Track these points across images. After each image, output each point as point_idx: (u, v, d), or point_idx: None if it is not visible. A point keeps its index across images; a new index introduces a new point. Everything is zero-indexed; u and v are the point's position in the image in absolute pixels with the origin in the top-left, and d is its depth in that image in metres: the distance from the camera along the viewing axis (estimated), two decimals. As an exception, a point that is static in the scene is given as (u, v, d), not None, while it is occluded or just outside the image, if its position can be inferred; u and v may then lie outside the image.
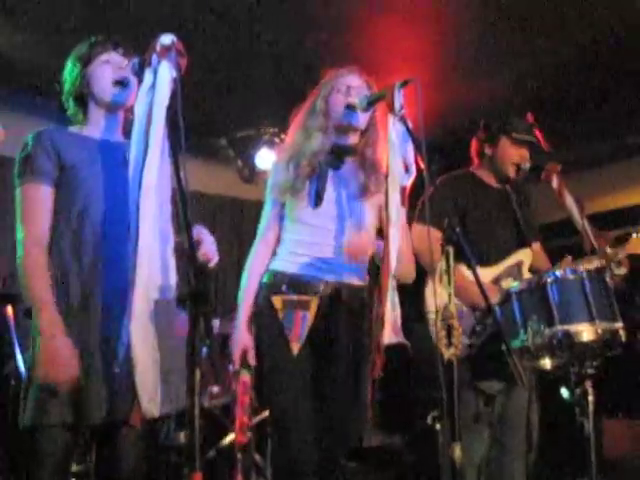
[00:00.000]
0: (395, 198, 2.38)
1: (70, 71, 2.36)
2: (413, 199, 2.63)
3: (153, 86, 2.05)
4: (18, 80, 4.79)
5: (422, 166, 2.36)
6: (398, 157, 2.40)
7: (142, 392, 1.75)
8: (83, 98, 2.37)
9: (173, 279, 1.84)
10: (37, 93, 4.91)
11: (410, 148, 2.41)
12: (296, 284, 2.54)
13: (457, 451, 2.21)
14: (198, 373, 1.64)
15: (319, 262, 2.55)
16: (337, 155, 2.66)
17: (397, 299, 2.36)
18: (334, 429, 2.59)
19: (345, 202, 2.61)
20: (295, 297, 2.53)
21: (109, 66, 2.33)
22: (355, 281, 2.61)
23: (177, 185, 1.82)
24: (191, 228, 1.76)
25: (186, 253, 1.69)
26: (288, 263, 2.59)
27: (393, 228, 2.37)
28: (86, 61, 2.34)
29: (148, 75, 2.07)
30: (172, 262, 1.88)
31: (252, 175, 5.87)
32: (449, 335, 2.18)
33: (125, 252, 1.95)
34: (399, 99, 2.39)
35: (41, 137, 2.22)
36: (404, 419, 4.60)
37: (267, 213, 2.70)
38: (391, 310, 2.33)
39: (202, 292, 1.64)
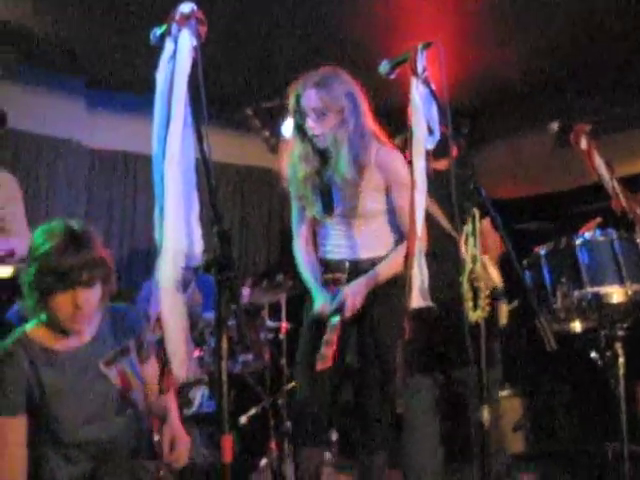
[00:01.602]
0: (420, 162, 2.36)
1: None
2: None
3: (174, 55, 2.05)
4: (42, 56, 4.82)
5: (446, 129, 2.35)
6: (422, 120, 2.38)
7: (173, 357, 1.78)
8: None
9: (199, 247, 1.86)
10: (61, 69, 4.97)
11: (434, 111, 2.39)
12: (328, 265, 2.80)
13: (485, 413, 2.22)
14: (225, 339, 1.66)
15: (343, 247, 2.79)
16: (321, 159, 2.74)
17: (424, 263, 2.35)
18: (365, 398, 2.75)
19: (347, 199, 2.74)
20: (329, 275, 2.76)
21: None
22: (378, 255, 2.77)
23: (200, 154, 1.83)
24: (216, 196, 1.76)
25: (211, 221, 1.70)
26: (321, 251, 2.88)
27: (418, 193, 2.35)
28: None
29: (169, 44, 2.06)
30: (198, 230, 1.89)
31: (279, 145, 5.85)
32: (475, 297, 2.18)
33: None
34: (422, 61, 2.37)
35: None
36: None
37: (294, 211, 2.94)
38: (418, 274, 2.33)
39: (226, 258, 1.65)
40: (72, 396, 2.00)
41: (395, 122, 2.72)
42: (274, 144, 5.90)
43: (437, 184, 2.52)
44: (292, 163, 2.80)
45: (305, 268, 2.86)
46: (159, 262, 1.79)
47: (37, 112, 4.84)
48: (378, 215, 2.79)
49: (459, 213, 2.25)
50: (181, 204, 1.88)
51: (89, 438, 2.02)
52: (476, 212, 2.22)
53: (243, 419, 3.92)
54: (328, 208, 2.77)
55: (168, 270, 1.79)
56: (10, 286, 3.02)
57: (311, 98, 2.63)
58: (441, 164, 3.04)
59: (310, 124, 2.66)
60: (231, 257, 1.64)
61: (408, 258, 2.29)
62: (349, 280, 2.72)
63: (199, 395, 3.71)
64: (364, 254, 2.78)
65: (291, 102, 2.71)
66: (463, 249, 2.30)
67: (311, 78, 2.66)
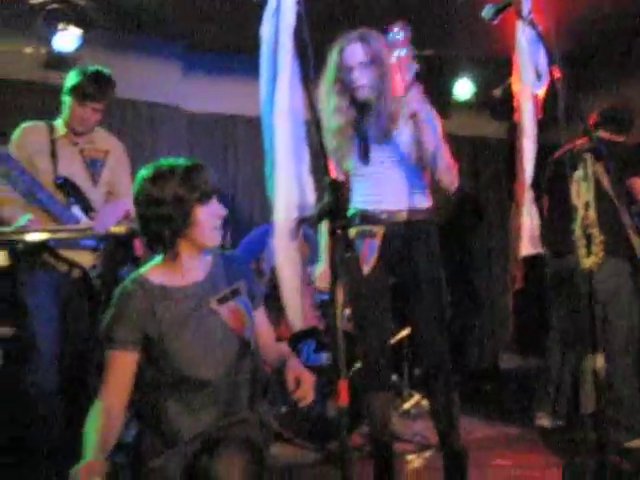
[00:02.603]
0: (528, 108, 2.31)
1: None
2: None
3: (277, 9, 2.07)
4: (139, 23, 4.92)
5: (555, 74, 2.28)
6: (529, 64, 2.33)
7: (288, 307, 1.83)
8: None
9: (311, 197, 1.89)
10: (158, 35, 5.06)
11: (542, 55, 2.33)
12: (364, 217, 2.84)
13: (600, 362, 2.19)
14: (340, 290, 1.68)
15: (380, 198, 2.83)
16: (359, 111, 2.82)
17: (535, 211, 2.32)
18: (423, 345, 2.87)
19: (381, 146, 2.80)
20: (365, 227, 2.80)
21: None
22: (416, 205, 2.85)
23: (309, 106, 1.84)
24: (325, 147, 1.78)
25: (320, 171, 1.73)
26: (357, 202, 2.87)
27: (527, 140, 2.31)
28: None
29: (271, -1, 2.09)
30: (309, 181, 1.92)
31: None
32: (589, 244, 2.14)
33: None
34: (527, 3, 2.31)
35: None
36: (540, 341, 4.53)
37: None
38: (528, 222, 2.30)
39: (338, 207, 1.67)
40: (186, 331, 2.06)
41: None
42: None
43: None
44: (326, 117, 2.81)
45: None
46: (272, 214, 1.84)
47: (136, 78, 4.96)
48: (412, 164, 2.83)
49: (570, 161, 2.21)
50: (291, 157, 1.92)
51: (207, 377, 2.06)
52: (589, 157, 2.17)
53: (349, 373, 3.98)
54: (364, 157, 2.81)
55: (281, 221, 1.83)
56: (125, 244, 3.18)
57: (356, 51, 2.74)
58: None
59: (355, 75, 2.74)
60: (343, 206, 1.66)
61: (518, 205, 2.27)
62: (387, 232, 2.82)
63: (305, 348, 3.79)
64: (401, 205, 2.84)
65: (333, 56, 2.78)
66: (574, 195, 2.25)
67: (354, 34, 2.78)
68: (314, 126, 1.80)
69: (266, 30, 2.05)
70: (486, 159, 6.36)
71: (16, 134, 3.20)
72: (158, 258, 2.14)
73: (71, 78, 3.18)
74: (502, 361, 6.06)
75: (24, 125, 3.23)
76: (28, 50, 4.69)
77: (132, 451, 2.21)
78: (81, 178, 3.22)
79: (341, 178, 2.83)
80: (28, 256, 3.11)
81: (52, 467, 3.04)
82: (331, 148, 2.82)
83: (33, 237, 2.98)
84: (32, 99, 4.58)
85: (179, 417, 2.06)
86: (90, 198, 3.21)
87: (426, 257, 2.85)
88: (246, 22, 2.69)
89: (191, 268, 2.14)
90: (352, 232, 2.82)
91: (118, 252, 3.14)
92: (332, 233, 1.67)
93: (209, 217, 2.05)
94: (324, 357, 3.88)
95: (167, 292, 2.09)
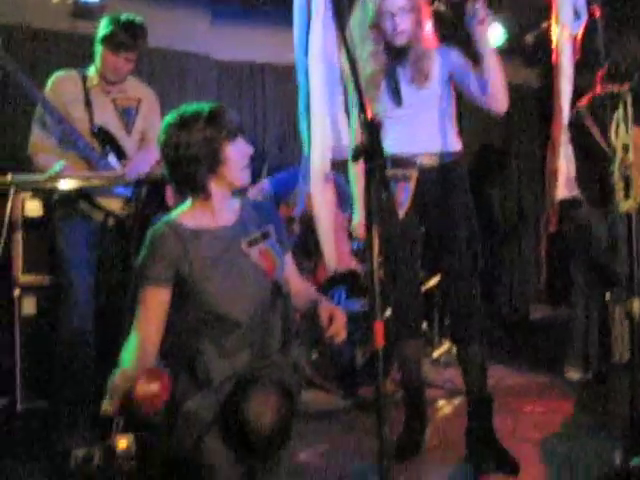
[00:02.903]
0: (566, 48, 2.26)
1: None
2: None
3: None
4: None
5: (595, 13, 2.23)
6: (568, 3, 2.27)
7: (324, 249, 1.83)
8: None
9: (345, 139, 1.87)
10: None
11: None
12: (397, 161, 2.80)
13: (636, 305, 2.17)
14: (375, 229, 1.67)
15: (413, 141, 2.82)
16: (395, 56, 2.82)
17: (571, 153, 2.29)
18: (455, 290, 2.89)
19: (415, 90, 2.81)
20: (398, 171, 2.78)
21: None
22: (449, 149, 2.88)
23: (343, 49, 1.82)
24: (361, 86, 1.75)
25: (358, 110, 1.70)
26: (388, 146, 2.77)
27: (564, 79, 2.26)
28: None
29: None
30: (344, 124, 1.90)
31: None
32: (627, 186, 2.10)
33: None
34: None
35: None
36: (570, 291, 4.51)
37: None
38: (565, 164, 2.27)
39: (374, 146, 1.65)
40: (218, 271, 2.08)
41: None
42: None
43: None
44: (361, 63, 2.75)
45: None
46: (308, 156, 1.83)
47: (164, 27, 4.91)
48: (446, 108, 2.86)
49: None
50: (326, 99, 1.90)
51: (238, 317, 2.08)
52: (629, 97, 2.12)
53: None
54: (397, 100, 2.79)
55: (317, 163, 1.83)
56: (157, 192, 3.20)
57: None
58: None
59: (396, 21, 2.72)
60: (380, 145, 1.64)
61: (555, 147, 2.23)
62: (420, 176, 2.82)
63: (336, 295, 3.81)
64: (434, 148, 2.85)
65: (370, 3, 2.73)
66: (613, 137, 2.21)
67: None
68: (350, 66, 1.77)
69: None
70: (517, 107, 6.25)
71: (50, 83, 3.20)
72: (187, 202, 2.17)
73: (103, 27, 3.15)
74: (533, 311, 6.06)
75: (58, 74, 3.23)
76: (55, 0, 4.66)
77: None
78: (115, 127, 3.23)
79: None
80: (64, 205, 3.15)
81: (85, 412, 3.12)
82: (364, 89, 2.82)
83: (65, 185, 3.00)
84: (60, 49, 4.56)
85: (212, 360, 2.08)
86: (124, 146, 3.23)
87: (460, 203, 2.86)
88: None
89: (221, 211, 2.16)
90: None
91: (151, 199, 3.16)
92: (368, 173, 1.66)
93: (238, 155, 2.08)
94: (355, 304, 3.91)
95: (198, 233, 2.11)
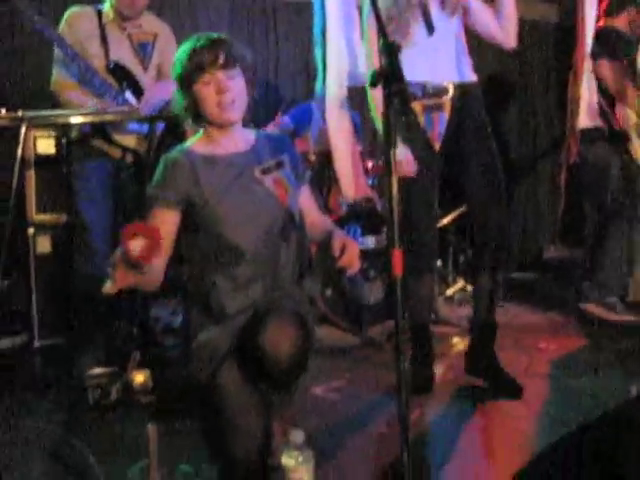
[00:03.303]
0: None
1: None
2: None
3: None
4: None
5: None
6: None
7: (341, 177, 1.80)
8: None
9: (362, 65, 1.82)
10: None
11: None
12: (428, 89, 2.78)
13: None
14: (393, 154, 1.63)
15: (441, 70, 2.80)
16: None
17: (594, 83, 2.23)
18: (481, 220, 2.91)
19: (445, 18, 2.79)
20: (431, 101, 2.76)
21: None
22: (472, 78, 2.89)
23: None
24: (379, 9, 1.68)
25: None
26: (417, 75, 2.74)
27: (588, 6, 2.19)
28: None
29: None
30: (360, 49, 1.85)
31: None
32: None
33: None
34: None
35: None
36: (584, 231, 4.48)
37: None
38: (587, 94, 2.21)
39: (393, 70, 1.60)
40: (230, 197, 2.07)
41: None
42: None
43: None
44: None
45: None
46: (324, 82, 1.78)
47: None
48: (463, 39, 2.85)
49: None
50: (342, 23, 1.84)
51: (250, 244, 2.06)
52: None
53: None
54: (429, 28, 2.72)
55: (333, 89, 1.78)
56: (174, 127, 3.16)
57: None
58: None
59: None
60: (400, 68, 1.59)
61: (577, 76, 2.17)
62: (454, 104, 2.80)
63: (350, 232, 3.79)
64: (461, 77, 2.83)
65: None
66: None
67: None
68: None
69: None
70: (533, 42, 6.11)
71: (64, 19, 3.13)
72: (201, 131, 2.16)
73: None
74: (546, 251, 6.02)
75: (72, 10, 3.17)
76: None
77: (181, 330, 2.25)
78: (131, 62, 3.18)
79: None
80: (79, 143, 3.12)
81: (100, 348, 3.15)
82: (392, 16, 2.75)
83: (77, 120, 2.97)
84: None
85: (225, 293, 2.08)
86: (141, 82, 3.18)
87: (484, 130, 2.84)
88: None
89: (234, 139, 2.14)
90: (417, 107, 2.76)
91: (168, 135, 3.13)
92: (388, 98, 1.61)
93: (209, 93, 2.02)
94: (369, 241, 3.89)
95: (210, 160, 2.10)
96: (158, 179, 2.08)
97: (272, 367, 1.89)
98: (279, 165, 2.16)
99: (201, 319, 2.12)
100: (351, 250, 2.01)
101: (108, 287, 1.73)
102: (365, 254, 3.68)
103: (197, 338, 2.08)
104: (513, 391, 2.88)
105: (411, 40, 2.75)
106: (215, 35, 2.05)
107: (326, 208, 3.60)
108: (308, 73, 4.93)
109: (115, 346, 3.18)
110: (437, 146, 2.81)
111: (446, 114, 2.79)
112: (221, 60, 1.99)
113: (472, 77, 2.88)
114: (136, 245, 1.66)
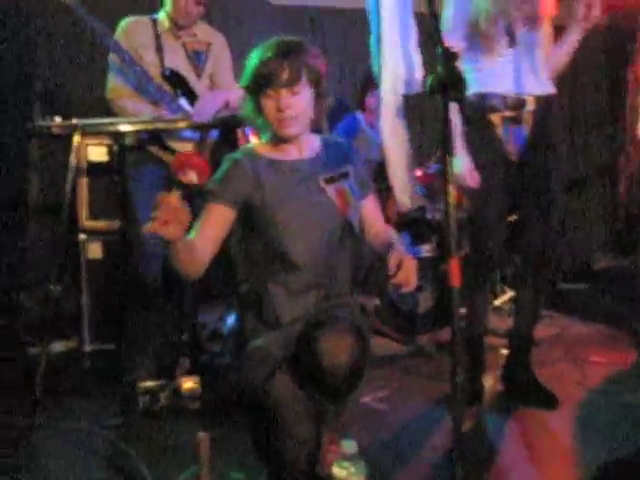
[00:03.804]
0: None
1: None
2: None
3: None
4: None
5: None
6: None
7: (395, 185, 1.78)
8: None
9: (419, 73, 1.80)
10: None
11: None
12: (507, 101, 2.78)
13: None
14: (448, 159, 1.60)
15: (522, 82, 2.77)
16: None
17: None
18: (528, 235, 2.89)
19: (527, 31, 2.78)
20: (510, 113, 2.77)
21: None
22: (551, 91, 2.86)
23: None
24: (438, 19, 1.66)
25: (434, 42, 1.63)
26: (497, 85, 2.78)
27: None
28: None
29: None
30: (416, 56, 1.83)
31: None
32: None
33: None
34: None
35: None
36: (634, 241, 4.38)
37: None
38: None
39: (453, 78, 1.58)
40: (290, 203, 2.05)
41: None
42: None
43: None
44: (477, 3, 2.74)
45: None
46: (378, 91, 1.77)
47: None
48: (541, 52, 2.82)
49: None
50: (398, 31, 1.83)
51: (307, 252, 2.05)
52: None
53: (442, 267, 3.95)
54: (511, 40, 2.73)
55: (388, 98, 1.77)
56: (228, 134, 3.18)
57: None
58: None
59: None
60: (460, 76, 1.56)
61: (637, 84, 2.12)
62: (534, 117, 2.78)
63: (400, 240, 3.76)
64: (547, 89, 2.82)
65: None
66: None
67: None
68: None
69: None
70: (583, 46, 6.01)
71: (121, 28, 3.18)
72: (268, 134, 2.13)
73: None
74: (596, 261, 5.91)
75: (129, 19, 3.22)
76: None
77: (233, 336, 2.25)
78: (185, 70, 3.22)
79: (457, 49, 2.70)
80: (134, 149, 3.15)
81: (149, 353, 3.17)
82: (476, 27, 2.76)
83: (128, 128, 3.00)
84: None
85: (278, 299, 2.07)
86: (195, 89, 3.21)
87: (557, 148, 2.86)
88: None
89: (297, 147, 2.13)
90: (496, 119, 2.77)
91: (221, 142, 3.15)
92: (445, 107, 1.59)
93: (271, 108, 2.01)
94: (420, 250, 3.86)
95: (274, 164, 2.09)
96: (219, 176, 2.08)
97: (329, 378, 1.87)
98: (343, 175, 2.15)
99: (254, 324, 2.11)
100: (408, 267, 1.96)
101: (148, 227, 1.74)
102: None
103: (251, 344, 2.07)
104: (548, 402, 2.88)
105: (493, 52, 2.75)
106: (287, 43, 2.02)
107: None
108: (355, 83, 4.94)
109: (164, 352, 3.20)
110: (514, 158, 2.81)
111: (525, 127, 2.79)
112: (285, 76, 1.96)
113: (551, 90, 2.86)
114: (185, 173, 1.69)
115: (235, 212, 2.05)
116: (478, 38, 2.73)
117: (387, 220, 2.05)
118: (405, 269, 1.95)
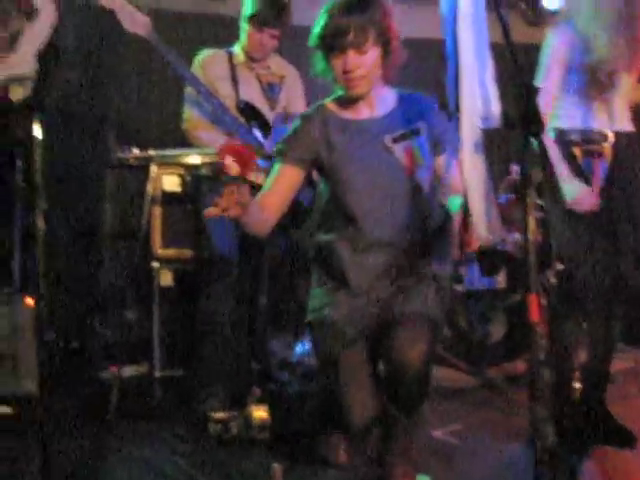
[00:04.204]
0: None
1: None
2: None
3: None
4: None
5: None
6: None
7: (475, 218, 1.77)
8: None
9: (496, 107, 1.80)
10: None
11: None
12: (589, 135, 2.75)
13: None
14: (531, 193, 1.57)
15: (605, 116, 2.76)
16: None
17: None
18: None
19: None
20: (592, 147, 2.74)
21: None
22: (632, 129, 2.84)
23: (496, 13, 1.73)
24: (516, 51, 1.66)
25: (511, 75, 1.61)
26: (578, 119, 2.77)
27: None
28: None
29: None
30: (493, 89, 1.83)
31: (538, 17, 5.50)
32: None
33: None
34: None
35: None
36: None
37: None
38: None
39: (532, 112, 1.57)
40: (358, 161, 2.09)
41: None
42: (532, 17, 5.57)
43: None
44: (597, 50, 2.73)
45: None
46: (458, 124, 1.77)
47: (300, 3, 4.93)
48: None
49: None
50: (475, 64, 1.83)
51: (372, 217, 2.09)
52: None
53: (513, 298, 3.89)
54: (612, 84, 2.73)
55: (466, 132, 1.77)
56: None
57: None
58: None
59: None
60: (538, 112, 1.55)
61: None
62: (615, 151, 2.75)
63: (470, 272, 3.73)
64: (627, 126, 2.82)
65: None
66: None
67: None
68: (503, 30, 1.67)
69: None
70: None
71: (197, 61, 3.27)
72: (339, 91, 2.16)
73: (248, 6, 3.22)
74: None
75: (205, 53, 3.31)
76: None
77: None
78: (260, 102, 3.29)
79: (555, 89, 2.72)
80: (209, 179, 3.22)
81: (220, 381, 3.19)
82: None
83: (202, 159, 3.07)
84: (193, 29, 4.68)
85: (344, 255, 2.11)
86: (269, 121, 3.28)
87: (636, 184, 2.82)
88: None
89: (369, 105, 2.15)
90: (576, 152, 2.75)
91: None
92: (525, 141, 1.57)
93: (338, 67, 2.04)
94: (490, 281, 3.81)
95: (344, 122, 2.13)
96: (289, 134, 2.15)
97: (400, 389, 1.98)
98: (414, 133, 2.14)
99: (320, 276, 2.19)
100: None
101: (211, 210, 1.81)
102: (484, 294, 3.62)
103: (325, 313, 2.12)
104: (626, 440, 2.78)
105: (592, 94, 2.75)
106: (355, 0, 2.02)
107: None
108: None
109: (235, 381, 3.22)
110: (597, 191, 2.77)
111: (606, 161, 2.77)
112: (351, 36, 1.98)
113: (631, 127, 2.86)
114: (225, 159, 1.74)
115: (303, 171, 2.13)
116: (584, 81, 2.73)
117: (465, 249, 2.04)
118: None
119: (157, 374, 3.64)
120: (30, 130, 1.58)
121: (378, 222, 2.08)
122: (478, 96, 1.83)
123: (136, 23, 2.92)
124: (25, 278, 3.52)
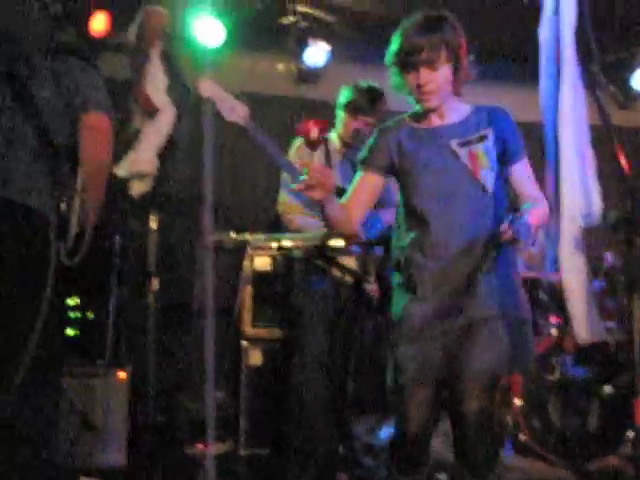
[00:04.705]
0: None
1: None
2: None
3: (557, 10, 2.00)
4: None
5: None
6: None
7: (574, 318, 1.75)
8: None
9: (598, 205, 1.80)
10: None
11: None
12: None
13: None
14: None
15: None
16: None
17: None
18: None
19: None
20: None
21: None
22: None
23: (598, 111, 1.75)
24: (617, 152, 1.67)
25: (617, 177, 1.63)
26: None
27: None
28: None
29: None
30: (595, 186, 1.83)
31: (628, 100, 5.47)
32: None
33: None
34: None
35: None
36: None
37: None
38: None
39: (637, 213, 1.56)
40: (424, 164, 2.19)
41: None
42: (622, 100, 5.54)
43: None
44: None
45: None
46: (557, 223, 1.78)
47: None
48: None
49: None
50: (576, 162, 1.84)
51: (438, 220, 2.14)
52: None
53: (608, 389, 3.75)
54: None
55: (567, 228, 1.77)
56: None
57: None
58: None
59: None
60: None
61: None
62: None
63: (563, 361, 3.63)
64: None
65: None
66: None
67: None
68: (605, 127, 1.70)
69: (545, 33, 1.98)
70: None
71: (294, 147, 3.40)
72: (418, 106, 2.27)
73: (344, 94, 3.36)
74: None
75: (301, 139, 3.43)
76: (280, 66, 4.97)
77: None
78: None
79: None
80: (303, 261, 3.29)
81: (305, 463, 3.17)
82: None
83: (286, 244, 3.15)
84: (284, 112, 4.83)
85: (416, 262, 2.17)
86: None
87: None
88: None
89: (441, 114, 2.23)
90: None
91: (386, 258, 3.22)
92: (629, 243, 1.57)
93: (411, 82, 2.14)
94: (582, 371, 3.70)
95: (415, 130, 2.25)
96: (370, 144, 2.30)
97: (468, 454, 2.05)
98: (481, 138, 2.20)
99: (396, 284, 2.25)
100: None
101: (296, 187, 1.94)
102: (578, 384, 3.51)
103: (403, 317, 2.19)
104: None
105: None
106: (429, 19, 2.13)
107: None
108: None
109: (322, 465, 3.20)
110: None
111: None
112: (425, 55, 2.09)
113: None
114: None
115: (381, 177, 2.26)
116: None
117: (564, 350, 2.02)
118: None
119: (242, 452, 3.65)
120: (147, 222, 1.67)
121: (444, 226, 2.15)
122: (580, 192, 1.83)
123: (235, 112, 3.01)
124: (117, 352, 3.63)
